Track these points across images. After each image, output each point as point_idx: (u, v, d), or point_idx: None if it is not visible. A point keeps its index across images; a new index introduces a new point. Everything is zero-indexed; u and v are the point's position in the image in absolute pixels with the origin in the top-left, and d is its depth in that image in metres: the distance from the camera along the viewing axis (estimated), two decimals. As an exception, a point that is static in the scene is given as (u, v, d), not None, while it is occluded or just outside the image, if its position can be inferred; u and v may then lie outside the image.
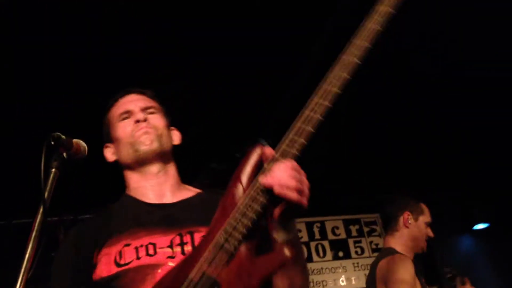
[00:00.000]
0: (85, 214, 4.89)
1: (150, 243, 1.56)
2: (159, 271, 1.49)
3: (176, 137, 1.92)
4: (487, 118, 4.67)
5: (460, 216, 6.26)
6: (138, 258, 1.54)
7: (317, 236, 6.00)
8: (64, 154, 1.58)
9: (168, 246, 1.56)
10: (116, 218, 1.70)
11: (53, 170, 1.51)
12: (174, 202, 1.74)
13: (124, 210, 1.74)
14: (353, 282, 5.86)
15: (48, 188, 1.49)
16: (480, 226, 6.09)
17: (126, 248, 1.56)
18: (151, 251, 1.54)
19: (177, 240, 1.58)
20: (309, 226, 6.01)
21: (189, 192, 1.82)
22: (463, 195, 6.09)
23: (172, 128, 1.93)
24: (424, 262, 5.98)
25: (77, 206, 4.63)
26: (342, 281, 5.84)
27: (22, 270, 1.34)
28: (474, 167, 5.54)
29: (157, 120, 1.83)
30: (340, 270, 5.88)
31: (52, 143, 1.51)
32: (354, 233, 6.14)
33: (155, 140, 1.77)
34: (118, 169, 1.89)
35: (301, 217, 5.92)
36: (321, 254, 5.91)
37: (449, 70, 4.05)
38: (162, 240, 1.57)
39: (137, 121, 1.79)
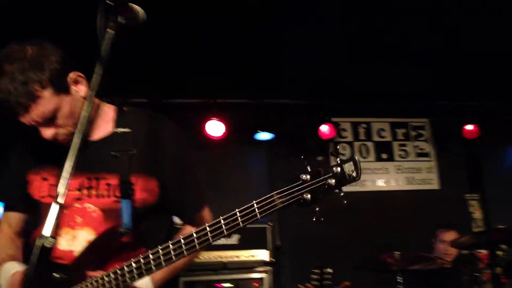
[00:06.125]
0: (136, 97, 5.00)
1: None
2: (66, 212, 1.72)
3: (79, 89, 1.77)
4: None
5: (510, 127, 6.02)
6: (50, 195, 1.78)
7: (362, 136, 5.98)
8: (119, 18, 1.53)
9: (77, 189, 1.75)
10: (48, 147, 1.78)
11: (109, 30, 1.47)
12: (93, 141, 1.81)
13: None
14: (392, 183, 5.91)
15: (104, 48, 1.47)
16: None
17: (44, 182, 1.80)
18: None
19: (86, 183, 1.75)
20: (355, 127, 5.98)
21: (109, 125, 1.84)
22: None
23: (70, 82, 1.74)
24: (469, 172, 5.94)
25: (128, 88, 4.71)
26: (381, 182, 5.90)
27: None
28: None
29: (61, 119, 1.70)
30: (381, 172, 5.91)
31: (110, 3, 1.45)
32: (400, 136, 6.07)
33: (71, 135, 1.70)
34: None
35: (347, 116, 5.92)
36: (364, 155, 5.93)
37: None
38: (72, 182, 1.69)
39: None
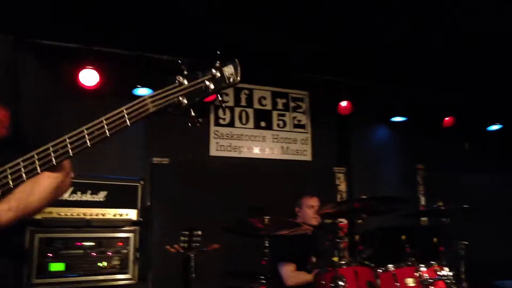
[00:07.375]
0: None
1: None
2: None
3: None
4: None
5: (379, 107, 6.45)
6: None
7: (243, 103, 5.97)
8: None
9: None
10: None
11: None
12: None
13: None
14: (267, 151, 6.02)
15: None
16: (398, 119, 6.31)
17: None
18: None
19: None
20: (237, 92, 5.94)
21: None
22: (384, 86, 6.21)
23: None
24: (339, 146, 6.26)
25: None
26: (257, 150, 5.97)
27: None
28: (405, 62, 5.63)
29: None
30: (258, 139, 5.98)
31: None
32: (280, 106, 6.17)
33: None
34: None
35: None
36: (244, 121, 5.94)
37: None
38: None
39: None
